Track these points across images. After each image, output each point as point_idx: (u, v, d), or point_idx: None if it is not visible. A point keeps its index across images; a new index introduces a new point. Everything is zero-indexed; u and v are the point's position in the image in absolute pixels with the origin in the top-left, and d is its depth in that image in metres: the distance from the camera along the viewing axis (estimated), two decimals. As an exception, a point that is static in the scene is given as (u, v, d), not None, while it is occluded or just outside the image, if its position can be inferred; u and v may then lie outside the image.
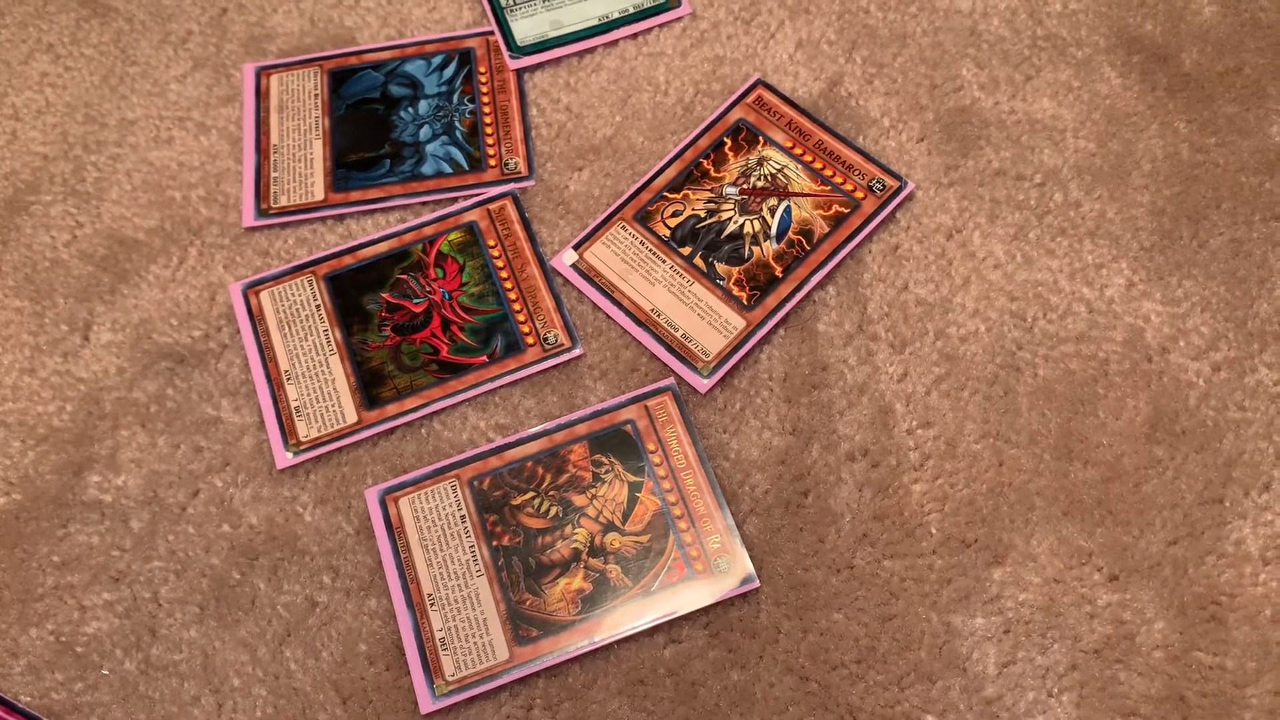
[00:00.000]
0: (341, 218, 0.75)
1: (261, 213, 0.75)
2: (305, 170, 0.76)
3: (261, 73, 0.80)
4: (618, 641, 0.60)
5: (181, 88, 0.81)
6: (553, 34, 0.79)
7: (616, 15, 0.80)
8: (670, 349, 0.68)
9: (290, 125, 0.78)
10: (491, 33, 0.80)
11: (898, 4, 0.80)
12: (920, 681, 0.59)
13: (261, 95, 0.80)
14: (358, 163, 0.76)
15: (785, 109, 0.75)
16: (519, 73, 0.78)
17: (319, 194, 0.75)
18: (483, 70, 0.79)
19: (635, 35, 0.79)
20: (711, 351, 0.67)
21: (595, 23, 0.79)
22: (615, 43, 0.79)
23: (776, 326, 0.68)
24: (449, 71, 0.79)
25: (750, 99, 0.76)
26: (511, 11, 0.80)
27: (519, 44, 0.79)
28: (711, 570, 0.61)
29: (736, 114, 0.76)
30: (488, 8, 0.81)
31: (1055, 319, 0.68)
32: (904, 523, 0.63)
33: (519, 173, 0.75)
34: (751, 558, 0.62)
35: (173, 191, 0.77)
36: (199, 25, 0.83)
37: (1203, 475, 0.63)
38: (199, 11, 0.84)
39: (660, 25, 0.80)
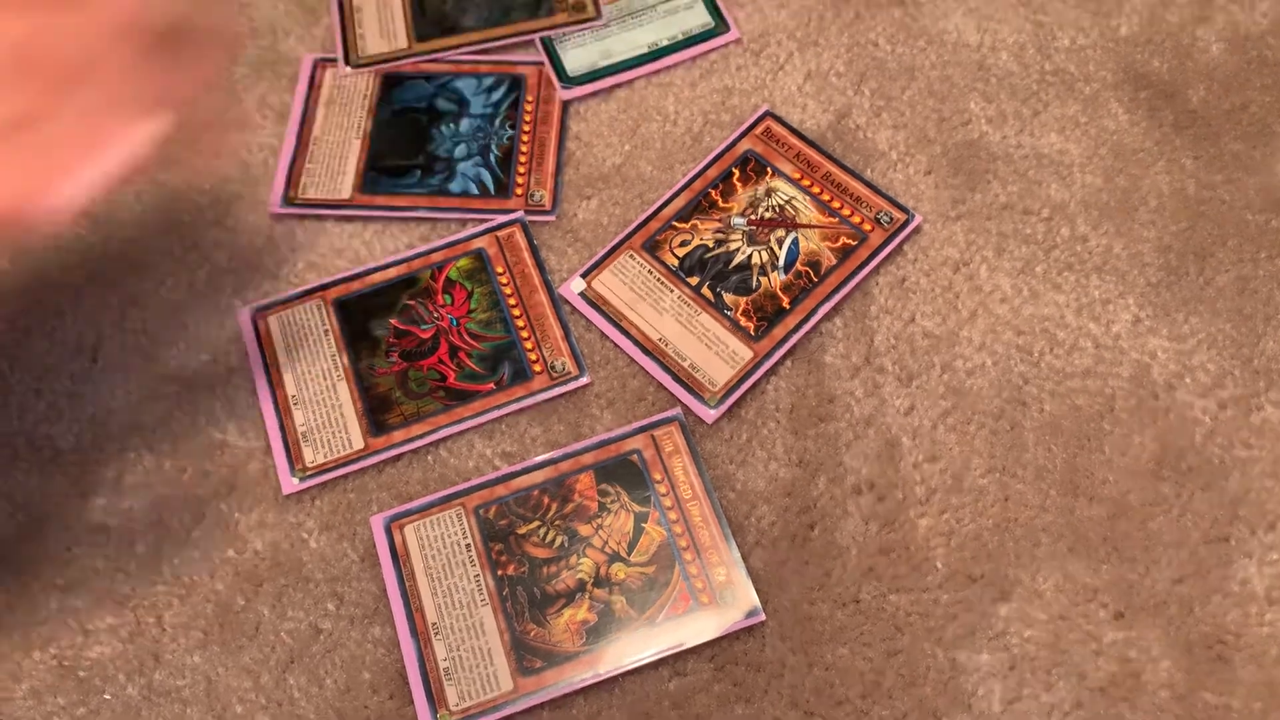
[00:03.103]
0: (364, 220, 0.75)
1: (288, 201, 0.76)
2: (339, 167, 0.77)
3: (319, 65, 0.81)
4: (622, 674, 0.60)
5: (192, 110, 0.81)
6: (603, 64, 0.80)
7: (665, 43, 0.80)
8: (677, 379, 0.68)
9: (335, 121, 0.79)
10: (543, 63, 0.80)
11: (906, 38, 0.80)
12: (926, 718, 0.59)
13: (314, 86, 0.80)
14: (390, 168, 0.77)
15: (794, 140, 0.76)
16: (564, 107, 0.78)
17: (346, 192, 0.76)
18: (530, 99, 0.79)
19: (692, 61, 0.80)
20: (719, 382, 0.67)
21: (645, 51, 0.80)
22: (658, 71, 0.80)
23: (784, 358, 0.69)
24: (497, 95, 0.79)
25: (759, 130, 0.77)
26: (561, 42, 0.81)
27: (570, 74, 0.79)
28: (717, 603, 0.61)
29: (745, 145, 0.76)
30: (537, 40, 0.81)
31: (1062, 354, 0.68)
32: (910, 557, 0.63)
33: (543, 205, 0.75)
34: (757, 590, 0.62)
35: (182, 214, 0.77)
36: (211, 49, 0.84)
37: (1209, 513, 0.63)
38: (211, 35, 0.84)
39: (711, 51, 0.80)
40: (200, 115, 0.81)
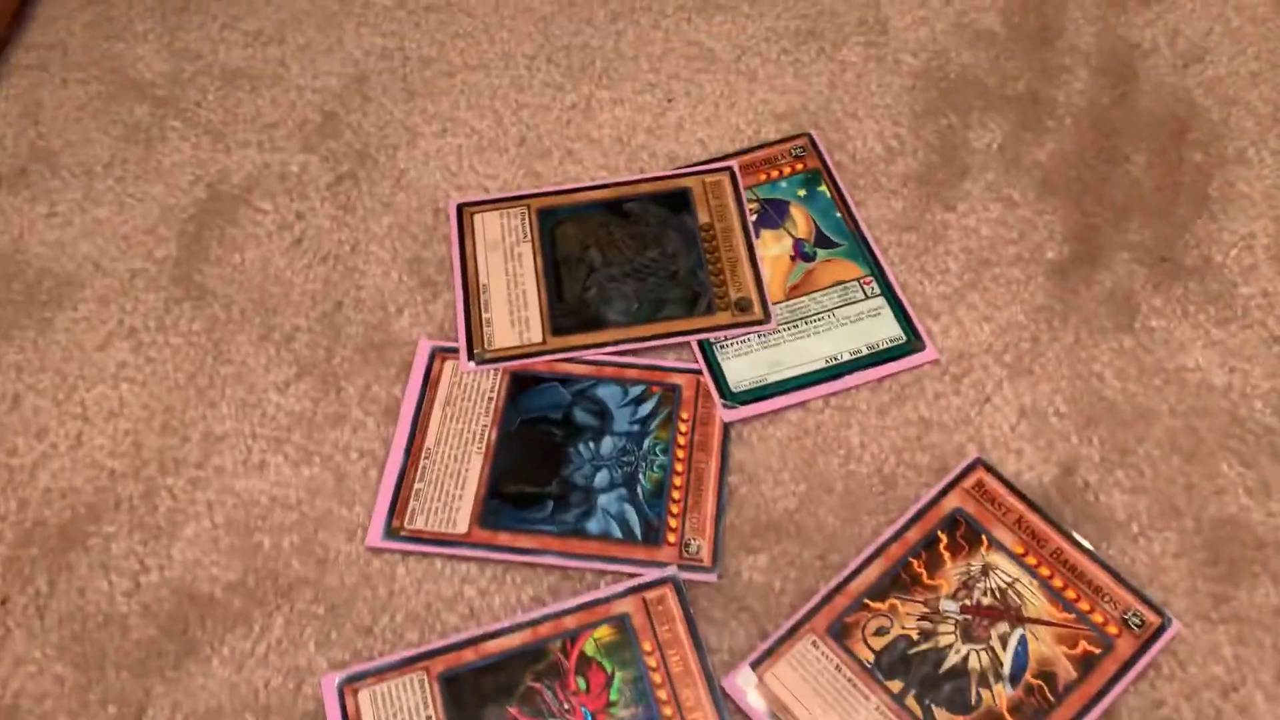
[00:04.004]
0: (482, 562, 0.61)
1: (391, 532, 0.62)
2: (455, 490, 0.63)
3: (437, 355, 0.68)
4: None
5: (281, 399, 0.68)
6: (772, 378, 0.67)
7: (847, 357, 0.67)
8: (880, 832, 0.53)
9: (453, 428, 0.65)
10: (701, 372, 0.67)
11: (1139, 373, 0.67)
12: None
13: (430, 381, 0.67)
14: (516, 497, 0.63)
15: (1011, 500, 0.62)
16: (726, 429, 0.65)
17: (462, 526, 0.62)
18: (685, 417, 0.66)
19: (879, 381, 0.67)
20: (935, 843, 0.52)
21: (822, 365, 0.67)
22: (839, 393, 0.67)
23: (1016, 811, 0.53)
24: (646, 408, 0.66)
25: (968, 483, 0.63)
26: (723, 348, 0.68)
27: (733, 389, 0.66)
28: None
29: (952, 501, 0.62)
30: (694, 344, 0.68)
31: (1376, 832, 0.53)
32: None
33: (700, 560, 0.61)
34: None
35: (261, 536, 0.63)
36: (308, 320, 0.71)
37: None
38: (309, 304, 0.72)
39: (902, 371, 0.67)
40: (289, 403, 0.69)
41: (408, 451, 0.65)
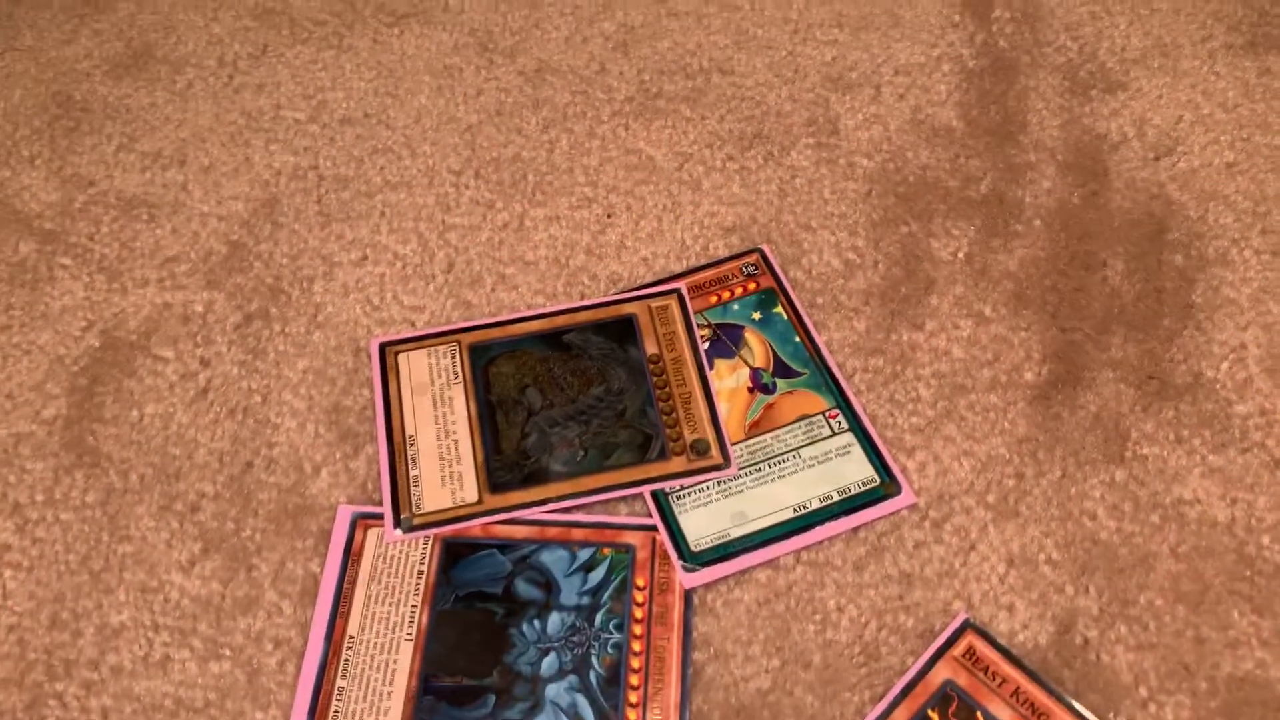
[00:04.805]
0: None
1: None
2: (383, 688, 0.56)
3: (359, 522, 0.61)
4: None
5: (186, 581, 0.61)
6: (736, 532, 0.60)
7: (817, 504, 0.61)
8: None
9: (379, 611, 0.58)
10: (656, 528, 0.60)
11: (1134, 510, 0.61)
12: None
13: (353, 554, 0.60)
14: (453, 692, 0.56)
15: (1006, 668, 0.56)
16: (687, 597, 0.59)
17: None
18: (640, 584, 0.59)
19: (853, 531, 0.60)
20: None
21: (790, 515, 0.60)
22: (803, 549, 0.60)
23: None
24: (596, 575, 0.59)
25: (958, 649, 0.56)
26: (679, 499, 0.61)
27: (693, 548, 0.59)
28: None
29: (942, 672, 0.56)
30: (648, 495, 0.61)
31: None
32: None
33: (660, 764, 0.54)
34: None
35: (163, 749, 0.55)
36: (214, 486, 0.64)
37: None
38: (216, 466, 0.64)
39: (878, 518, 0.61)
40: (194, 587, 0.61)
41: (328, 641, 0.58)
